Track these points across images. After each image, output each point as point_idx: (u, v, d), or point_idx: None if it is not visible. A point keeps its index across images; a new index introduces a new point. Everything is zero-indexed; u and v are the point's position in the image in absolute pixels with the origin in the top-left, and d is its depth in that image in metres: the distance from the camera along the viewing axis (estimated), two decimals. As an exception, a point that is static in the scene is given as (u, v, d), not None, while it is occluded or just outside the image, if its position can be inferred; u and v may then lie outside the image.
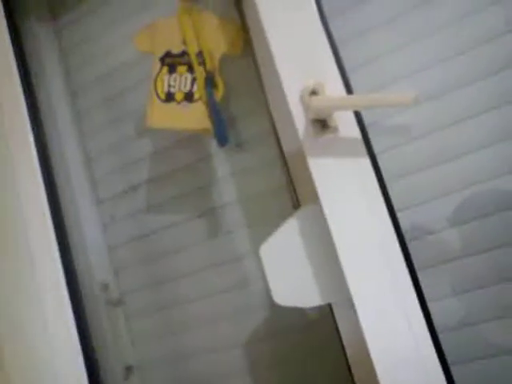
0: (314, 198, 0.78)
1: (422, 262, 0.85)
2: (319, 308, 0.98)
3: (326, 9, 0.85)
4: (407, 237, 0.83)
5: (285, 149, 0.95)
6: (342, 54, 0.84)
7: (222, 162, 1.13)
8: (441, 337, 0.77)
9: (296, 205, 0.92)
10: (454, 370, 0.75)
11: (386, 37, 0.91)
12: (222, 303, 1.12)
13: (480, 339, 0.83)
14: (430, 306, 0.77)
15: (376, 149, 0.79)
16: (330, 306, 0.92)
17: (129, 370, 1.22)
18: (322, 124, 0.75)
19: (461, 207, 0.85)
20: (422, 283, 0.79)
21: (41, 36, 1.36)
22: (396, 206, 0.82)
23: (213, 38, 1.00)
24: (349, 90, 0.78)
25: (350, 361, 0.87)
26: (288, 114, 0.79)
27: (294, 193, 0.93)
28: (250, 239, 1.09)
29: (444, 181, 0.86)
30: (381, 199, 0.74)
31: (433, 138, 0.86)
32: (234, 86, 1.06)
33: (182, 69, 1.02)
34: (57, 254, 1.12)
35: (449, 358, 0.75)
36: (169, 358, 1.18)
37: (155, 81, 1.04)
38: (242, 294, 1.10)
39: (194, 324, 1.15)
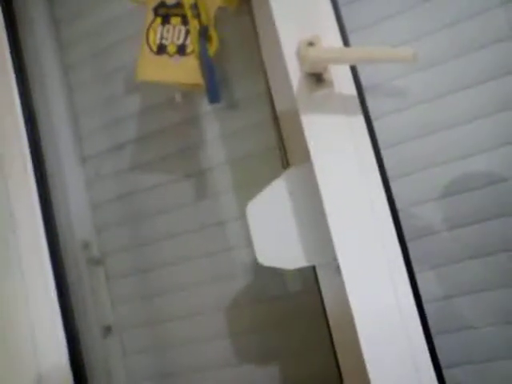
0: (305, 159, 0.75)
1: (411, 232, 0.84)
2: (303, 274, 0.97)
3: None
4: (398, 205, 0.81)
5: (278, 108, 0.92)
6: (344, 13, 0.81)
7: (212, 123, 1.09)
8: (426, 307, 0.76)
9: (286, 166, 0.90)
10: (437, 340, 0.74)
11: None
12: (205, 267, 1.10)
13: (462, 312, 0.82)
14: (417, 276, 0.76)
15: (371, 111, 0.76)
16: (314, 272, 0.90)
17: (107, 329, 1.20)
18: (317, 78, 0.72)
19: (452, 181, 0.84)
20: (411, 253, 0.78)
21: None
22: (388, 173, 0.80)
23: (208, -12, 0.96)
24: (346, 46, 0.75)
25: (332, 327, 0.85)
26: (283, 70, 0.76)
27: (284, 154, 0.91)
28: (239, 202, 1.06)
29: (437, 151, 0.84)
30: (373, 160, 0.71)
31: (429, 106, 0.84)
32: (230, 43, 1.03)
33: (175, 20, 0.97)
34: (38, 211, 1.09)
35: (433, 329, 0.74)
36: (148, 319, 1.16)
37: (147, 32, 0.99)
38: (226, 259, 1.08)
39: (175, 287, 1.14)
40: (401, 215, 0.80)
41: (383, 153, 0.78)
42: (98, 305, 1.20)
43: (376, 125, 0.78)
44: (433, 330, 0.73)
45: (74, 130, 1.27)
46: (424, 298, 0.77)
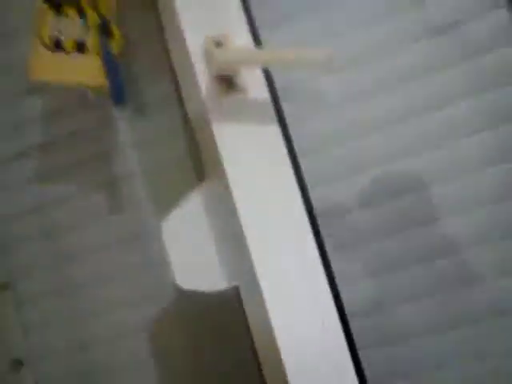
0: (220, 169, 0.68)
1: (333, 241, 0.80)
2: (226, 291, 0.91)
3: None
4: (317, 214, 0.77)
5: (189, 113, 0.84)
6: (254, 10, 0.74)
7: (122, 128, 1.00)
8: (351, 320, 0.73)
9: (201, 176, 0.82)
10: (361, 354, 0.72)
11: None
12: (124, 286, 1.02)
13: (390, 323, 0.81)
14: (341, 288, 0.73)
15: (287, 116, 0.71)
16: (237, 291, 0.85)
17: (17, 363, 1.07)
18: (227, 82, 0.65)
19: (371, 186, 0.81)
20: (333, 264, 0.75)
21: None
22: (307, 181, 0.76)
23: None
24: (258, 45, 0.69)
25: (257, 345, 0.80)
26: (191, 70, 0.68)
27: (199, 162, 0.83)
28: (154, 214, 0.98)
29: (355, 157, 0.81)
30: (290, 170, 0.66)
31: (346, 109, 0.80)
32: (135, 40, 0.93)
33: (69, 10, 0.86)
34: None
35: (357, 342, 0.71)
36: (66, 348, 1.05)
37: (39, 24, 0.87)
38: (146, 276, 1.00)
39: (94, 309, 1.04)
40: (322, 221, 0.77)
41: (302, 159, 0.73)
42: (5, 335, 1.07)
43: (293, 130, 0.74)
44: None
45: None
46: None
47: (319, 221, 0.69)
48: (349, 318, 0.71)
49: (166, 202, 0.76)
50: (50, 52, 0.87)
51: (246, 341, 0.83)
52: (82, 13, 0.86)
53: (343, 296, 0.71)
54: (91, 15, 0.85)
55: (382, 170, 0.78)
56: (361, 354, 0.68)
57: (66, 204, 1.06)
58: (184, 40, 0.68)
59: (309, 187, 0.76)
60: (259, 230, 0.66)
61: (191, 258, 0.72)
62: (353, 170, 0.80)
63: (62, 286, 1.06)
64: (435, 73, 0.78)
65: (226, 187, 0.66)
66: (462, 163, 0.79)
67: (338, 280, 0.72)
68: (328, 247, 0.71)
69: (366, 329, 0.80)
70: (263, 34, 0.70)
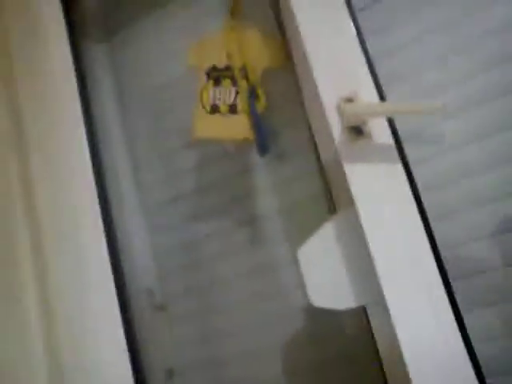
0: (350, 205, 0.80)
1: (457, 272, 0.84)
2: (355, 315, 1.00)
3: (363, 25, 0.89)
4: (442, 246, 0.83)
5: (322, 157, 0.98)
6: (378, 68, 0.87)
7: (262, 173, 1.17)
8: (477, 347, 0.76)
9: (333, 212, 0.95)
10: (489, 379, 0.74)
11: (416, 54, 0.92)
12: (261, 310, 1.15)
13: None
14: (466, 316, 0.77)
15: (410, 157, 0.80)
16: (365, 313, 0.93)
17: (170, 372, 1.26)
18: (356, 131, 0.78)
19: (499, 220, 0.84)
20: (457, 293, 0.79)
21: (97, 55, 1.47)
22: (430, 215, 0.83)
23: (255, 52, 1.06)
24: (382, 100, 0.81)
25: (385, 367, 0.87)
26: (325, 123, 0.82)
27: (331, 200, 0.96)
28: (290, 248, 1.11)
29: (477, 193, 0.85)
30: (414, 205, 0.75)
31: (467, 149, 0.86)
32: (275, 98, 1.11)
33: (226, 82, 1.08)
34: (107, 260, 1.18)
35: (484, 369, 0.74)
36: (208, 362, 1.21)
37: (201, 93, 1.11)
38: (280, 302, 1.12)
39: (234, 330, 1.18)
40: (447, 254, 0.83)
41: (426, 196, 0.81)
42: (161, 349, 1.27)
43: (416, 170, 0.83)
44: (486, 370, 0.73)
45: (137, 182, 1.39)
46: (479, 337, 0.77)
47: (441, 251, 0.76)
48: (476, 342, 0.74)
49: (301, 236, 0.88)
50: (209, 115, 1.09)
51: (373, 361, 0.90)
52: (235, 82, 1.07)
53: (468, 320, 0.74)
54: (242, 83, 1.05)
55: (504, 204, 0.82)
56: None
57: (213, 239, 1.25)
58: (319, 97, 0.83)
59: (432, 221, 0.83)
60: (385, 257, 0.75)
61: (323, 280, 0.83)
62: (475, 205, 0.85)
63: (207, 309, 1.23)
64: None
65: (356, 219, 0.77)
66: None
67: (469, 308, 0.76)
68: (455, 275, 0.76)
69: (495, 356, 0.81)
70: (388, 89, 0.82)
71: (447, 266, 0.74)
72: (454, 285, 0.74)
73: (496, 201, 0.84)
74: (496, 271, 0.83)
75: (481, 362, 0.71)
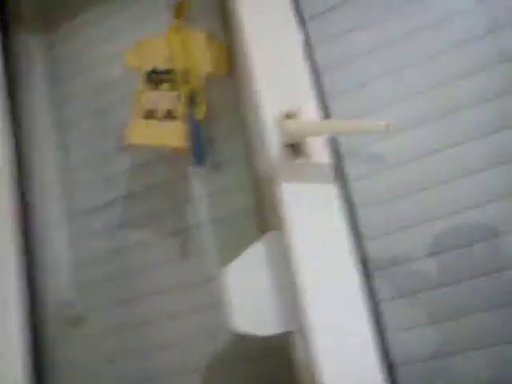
0: (281, 224, 0.76)
1: (392, 291, 0.82)
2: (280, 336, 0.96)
3: (311, 37, 0.86)
4: (375, 266, 0.80)
5: (258, 171, 0.93)
6: (325, 80, 0.84)
7: (198, 181, 1.11)
8: (405, 367, 0.74)
9: (264, 228, 0.90)
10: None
11: (368, 66, 0.90)
12: (188, 324, 1.09)
13: (446, 371, 0.79)
14: (393, 336, 0.75)
15: (351, 176, 0.78)
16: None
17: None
18: (294, 149, 0.74)
19: (438, 237, 0.83)
20: (389, 313, 0.78)
21: (32, 47, 1.36)
22: (367, 234, 0.80)
23: (200, 56, 1.01)
24: (327, 116, 0.78)
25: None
26: (262, 138, 0.78)
27: (262, 216, 0.91)
28: (220, 260, 1.06)
29: (416, 211, 0.84)
30: (346, 228, 0.72)
31: (406, 168, 0.85)
32: (216, 106, 1.06)
33: (165, 86, 1.02)
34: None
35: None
36: (134, 378, 1.13)
37: (138, 96, 1.04)
38: (208, 316, 1.06)
39: (161, 344, 1.11)
40: (381, 272, 0.80)
41: (362, 213, 0.78)
42: (77, 364, 1.17)
43: (355, 188, 0.79)
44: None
45: (63, 185, 1.29)
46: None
47: (377, 272, 0.73)
48: (403, 365, 0.71)
49: (231, 249, 0.83)
50: (144, 119, 1.02)
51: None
52: (175, 86, 1.01)
53: (397, 342, 0.72)
54: (182, 88, 1.00)
55: (444, 222, 0.80)
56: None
57: (142, 248, 1.17)
58: (258, 109, 0.79)
59: (368, 239, 0.80)
60: (312, 279, 0.71)
61: (248, 303, 0.78)
62: (413, 222, 0.83)
63: (131, 323, 1.15)
64: (495, 133, 0.81)
65: (286, 240, 0.73)
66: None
67: (395, 327, 0.73)
68: (387, 295, 0.73)
69: (421, 378, 0.79)
70: (334, 103, 0.79)
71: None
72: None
73: (431, 220, 0.83)
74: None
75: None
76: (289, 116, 0.75)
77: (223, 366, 1.04)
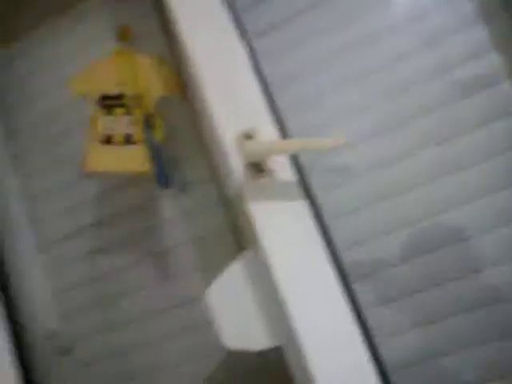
0: (255, 241, 0.77)
1: (369, 297, 0.85)
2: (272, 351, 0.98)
3: (258, 54, 0.87)
4: (352, 274, 0.84)
5: (226, 192, 0.94)
6: (277, 97, 0.85)
7: (167, 204, 1.11)
8: (392, 374, 0.78)
9: (241, 243, 0.92)
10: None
11: (319, 79, 0.92)
12: (172, 347, 1.10)
13: (434, 375, 0.83)
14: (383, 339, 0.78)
15: (316, 189, 0.80)
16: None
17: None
18: (257, 168, 0.75)
19: (406, 243, 0.86)
20: (373, 318, 0.81)
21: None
22: (340, 245, 0.83)
23: (149, 79, 1.00)
24: (285, 133, 0.79)
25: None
26: (224, 159, 0.79)
27: (238, 232, 0.93)
28: (199, 281, 1.07)
29: (384, 218, 0.87)
30: (319, 239, 0.74)
31: (370, 177, 0.87)
32: (176, 127, 1.06)
33: (119, 111, 1.00)
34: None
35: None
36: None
37: (92, 122, 1.02)
38: (192, 338, 1.08)
39: (148, 369, 1.12)
40: (359, 279, 0.83)
41: (332, 224, 0.81)
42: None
43: (322, 199, 0.82)
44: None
45: (30, 217, 1.26)
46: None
47: (357, 279, 0.76)
48: (391, 369, 0.75)
49: (210, 269, 0.85)
50: (102, 146, 1.01)
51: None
52: (129, 110, 0.99)
53: (385, 347, 0.75)
54: (136, 112, 0.99)
55: (415, 227, 0.84)
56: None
57: (118, 274, 1.17)
58: (216, 132, 0.79)
59: (343, 249, 0.83)
60: (294, 293, 0.73)
61: (235, 320, 0.80)
62: (384, 230, 0.87)
63: (115, 349, 1.15)
64: (455, 137, 0.84)
65: (262, 256, 0.75)
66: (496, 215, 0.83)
67: (380, 332, 0.77)
68: (367, 300, 0.76)
69: (408, 381, 0.83)
70: (290, 119, 0.80)
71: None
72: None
73: (406, 226, 0.86)
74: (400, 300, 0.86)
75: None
76: (248, 136, 0.76)
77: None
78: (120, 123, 1.00)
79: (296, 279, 0.74)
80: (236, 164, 0.76)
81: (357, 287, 0.83)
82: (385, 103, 0.88)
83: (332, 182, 0.86)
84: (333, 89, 0.90)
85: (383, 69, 0.89)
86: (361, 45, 0.90)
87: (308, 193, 0.78)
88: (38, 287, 1.22)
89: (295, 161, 0.78)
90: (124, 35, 1.02)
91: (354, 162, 0.87)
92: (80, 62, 1.08)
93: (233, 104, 0.79)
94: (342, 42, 0.90)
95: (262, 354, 0.96)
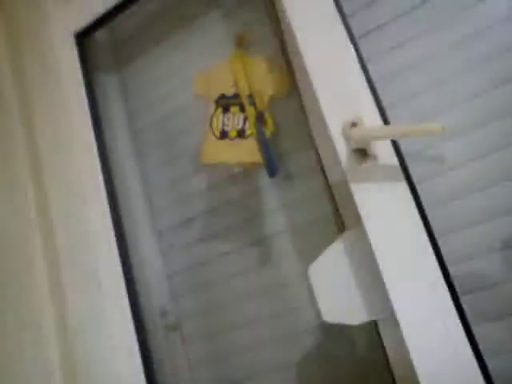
0: (358, 224, 0.84)
1: (465, 287, 0.87)
2: (366, 333, 1.02)
3: (364, 51, 0.95)
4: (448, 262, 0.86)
5: (330, 179, 1.02)
6: (380, 92, 0.91)
7: (271, 194, 1.21)
8: (487, 360, 0.79)
9: (342, 231, 0.98)
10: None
11: (420, 76, 0.98)
12: (271, 329, 1.18)
13: None
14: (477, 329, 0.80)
15: (414, 177, 0.85)
16: (377, 330, 0.96)
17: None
18: (362, 153, 0.82)
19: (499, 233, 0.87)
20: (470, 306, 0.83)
21: (108, 85, 1.53)
22: (438, 231, 0.86)
23: (262, 81, 1.12)
24: (386, 123, 0.85)
25: (397, 381, 0.89)
26: (332, 146, 0.87)
27: (339, 220, 1.00)
28: (300, 266, 1.15)
29: (481, 208, 0.89)
30: (420, 222, 0.79)
31: (468, 168, 0.91)
32: (283, 124, 1.16)
33: (234, 109, 1.13)
34: (122, 281, 1.23)
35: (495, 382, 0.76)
36: (221, 380, 1.23)
37: (211, 120, 1.16)
38: (290, 320, 1.15)
39: (245, 349, 1.21)
40: (453, 269, 0.86)
41: (430, 213, 0.85)
42: (175, 368, 1.30)
43: (421, 187, 0.86)
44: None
45: (149, 206, 1.43)
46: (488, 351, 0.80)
47: (448, 263, 0.79)
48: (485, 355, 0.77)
49: (311, 255, 0.92)
50: (218, 140, 1.14)
51: (386, 378, 0.92)
52: (242, 109, 1.12)
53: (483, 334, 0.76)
54: (250, 110, 1.11)
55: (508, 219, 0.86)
56: None
57: (223, 260, 1.28)
58: (325, 122, 0.88)
59: (440, 236, 0.86)
60: (395, 274, 0.79)
61: (335, 296, 0.87)
62: (480, 221, 0.89)
63: (219, 328, 1.26)
64: None
65: (365, 237, 0.81)
66: None
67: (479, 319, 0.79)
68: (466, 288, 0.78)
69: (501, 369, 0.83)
70: (390, 112, 0.87)
71: (454, 281, 0.77)
72: (462, 299, 0.77)
73: (501, 216, 0.88)
74: (503, 285, 0.86)
75: (491, 375, 0.74)
76: (353, 124, 0.83)
77: (308, 367, 1.12)
78: (234, 120, 1.13)
79: (397, 259, 0.79)
80: (342, 150, 0.84)
81: (455, 273, 0.85)
82: (489, 94, 0.91)
83: (430, 172, 0.90)
84: (436, 81, 0.95)
85: (487, 61, 0.92)
86: (462, 41, 0.94)
87: (409, 180, 0.83)
88: (154, 270, 1.38)
89: (396, 148, 0.84)
90: (240, 42, 1.16)
91: (454, 153, 0.91)
92: (200, 68, 1.24)
93: (340, 97, 0.87)
94: (442, 40, 0.95)
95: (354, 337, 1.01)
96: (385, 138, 0.78)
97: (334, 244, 0.87)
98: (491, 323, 0.86)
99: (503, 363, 0.84)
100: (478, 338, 0.76)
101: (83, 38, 1.41)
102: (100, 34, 1.53)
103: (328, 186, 1.04)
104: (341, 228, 1.01)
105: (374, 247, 0.80)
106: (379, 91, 0.90)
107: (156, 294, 1.36)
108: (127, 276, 1.25)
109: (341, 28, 0.91)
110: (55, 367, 1.21)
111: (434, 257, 0.76)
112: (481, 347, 0.76)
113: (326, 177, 1.05)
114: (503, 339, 0.86)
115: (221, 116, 1.15)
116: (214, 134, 1.15)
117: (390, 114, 0.90)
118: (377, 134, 0.78)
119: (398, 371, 0.91)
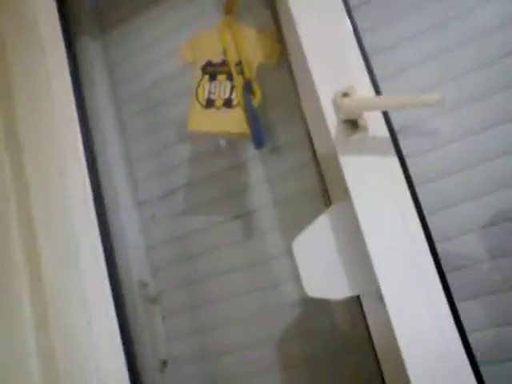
0: (346, 197, 0.82)
1: (451, 265, 0.87)
2: (349, 309, 1.02)
3: (359, 22, 0.91)
4: (436, 237, 0.86)
5: (318, 151, 1.00)
6: (374, 63, 0.89)
7: (257, 167, 1.18)
8: (470, 336, 0.79)
9: (328, 205, 0.97)
10: (482, 369, 0.77)
11: (413, 50, 0.95)
12: (254, 303, 1.17)
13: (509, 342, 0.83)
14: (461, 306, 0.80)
15: (405, 151, 0.83)
16: (360, 306, 0.95)
17: (164, 363, 1.27)
18: (352, 124, 0.80)
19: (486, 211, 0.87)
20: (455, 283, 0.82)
21: (91, 51, 1.47)
22: (427, 207, 0.85)
23: (250, 48, 1.07)
24: (378, 93, 0.83)
25: (380, 359, 0.89)
26: (321, 117, 0.84)
27: (326, 194, 0.98)
28: (284, 241, 1.13)
29: (472, 184, 0.88)
30: (408, 196, 0.77)
31: (461, 143, 0.89)
32: (271, 94, 1.13)
33: (221, 77, 1.09)
34: (101, 252, 1.20)
35: (478, 357, 0.76)
36: (201, 353, 1.23)
37: (197, 88, 1.12)
38: (273, 294, 1.14)
39: (226, 322, 1.20)
40: (440, 247, 0.85)
41: (419, 188, 0.84)
42: (154, 340, 1.28)
43: (410, 162, 0.85)
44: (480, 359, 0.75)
45: (130, 176, 1.40)
46: (468, 328, 0.80)
47: (436, 239, 0.78)
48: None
49: (296, 229, 0.90)
50: (204, 109, 1.10)
51: (368, 354, 0.92)
52: (230, 77, 1.08)
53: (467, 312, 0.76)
54: (237, 78, 1.07)
55: (497, 197, 0.85)
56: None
57: (206, 233, 1.26)
58: (315, 91, 0.85)
59: (427, 211, 0.85)
60: (382, 249, 0.77)
61: (318, 270, 0.85)
62: (468, 197, 0.88)
63: (199, 302, 1.25)
64: None
65: (351, 211, 0.79)
66: None
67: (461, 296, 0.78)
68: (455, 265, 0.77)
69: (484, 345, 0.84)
70: (382, 82, 0.84)
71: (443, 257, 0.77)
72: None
73: (489, 193, 0.87)
74: (483, 263, 0.86)
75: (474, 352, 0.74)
76: (345, 94, 0.80)
77: (291, 342, 1.11)
78: (221, 88, 1.09)
79: (383, 233, 0.78)
80: (332, 121, 0.82)
81: (442, 248, 0.85)
82: (486, 68, 0.89)
83: (420, 146, 0.88)
84: (433, 54, 0.92)
85: (485, 34, 0.90)
86: (461, 13, 0.92)
87: (399, 153, 0.81)
88: (134, 242, 1.35)
89: (387, 121, 0.81)
90: (230, 9, 1.11)
91: (447, 129, 0.89)
92: (188, 36, 1.19)
93: (332, 66, 0.84)
94: (441, 11, 0.93)
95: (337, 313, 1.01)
96: (378, 108, 0.76)
97: (319, 218, 0.85)
98: (471, 301, 0.87)
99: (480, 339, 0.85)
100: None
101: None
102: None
103: (316, 159, 1.02)
104: (328, 202, 0.99)
105: (360, 221, 0.79)
106: (373, 63, 0.87)
107: (136, 266, 1.34)
108: (106, 247, 1.22)
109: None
110: (30, 337, 1.19)
111: (421, 232, 0.75)
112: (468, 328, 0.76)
113: (314, 149, 1.02)
114: (481, 317, 0.86)
115: (207, 84, 1.10)
116: (199, 103, 1.11)
117: (383, 86, 0.87)
118: (369, 104, 0.76)
119: (380, 346, 0.91)
